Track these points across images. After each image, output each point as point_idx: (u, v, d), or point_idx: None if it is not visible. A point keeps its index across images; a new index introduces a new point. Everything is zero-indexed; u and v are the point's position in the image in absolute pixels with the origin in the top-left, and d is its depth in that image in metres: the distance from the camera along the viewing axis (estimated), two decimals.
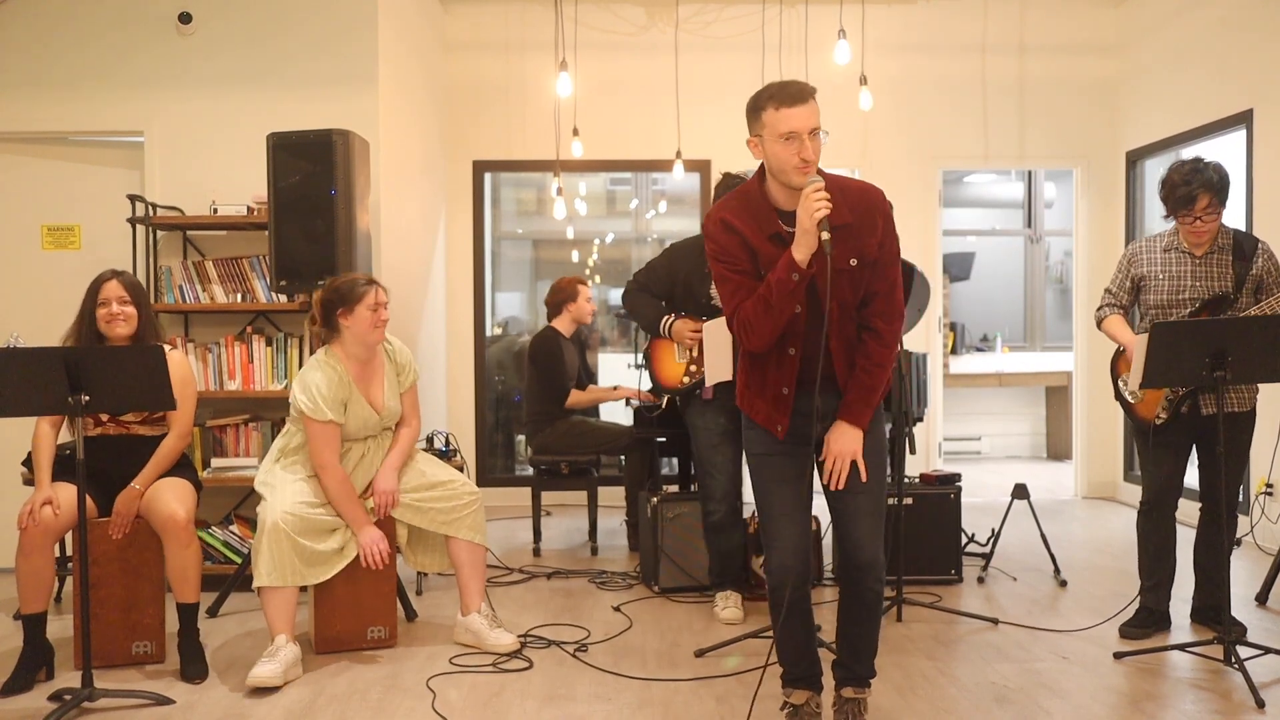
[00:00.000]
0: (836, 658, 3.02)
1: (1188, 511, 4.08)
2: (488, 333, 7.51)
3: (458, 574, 4.00)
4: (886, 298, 2.79)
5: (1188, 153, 6.54)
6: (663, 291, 4.49)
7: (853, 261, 2.72)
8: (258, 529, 3.72)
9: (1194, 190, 3.75)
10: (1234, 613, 3.85)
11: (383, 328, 3.87)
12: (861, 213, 2.75)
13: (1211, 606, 3.96)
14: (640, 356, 4.70)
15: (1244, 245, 3.87)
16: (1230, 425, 3.79)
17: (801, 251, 2.63)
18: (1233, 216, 6.13)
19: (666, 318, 4.42)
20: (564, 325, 5.80)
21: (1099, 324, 4.09)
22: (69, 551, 4.16)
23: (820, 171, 2.74)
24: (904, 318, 2.86)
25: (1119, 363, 4.07)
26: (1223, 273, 3.85)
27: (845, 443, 2.78)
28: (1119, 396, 4.06)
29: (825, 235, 2.60)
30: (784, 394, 2.80)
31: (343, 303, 3.82)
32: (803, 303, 2.70)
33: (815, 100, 2.69)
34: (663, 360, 4.54)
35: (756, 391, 2.87)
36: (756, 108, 2.72)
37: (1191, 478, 4.05)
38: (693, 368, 4.40)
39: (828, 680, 3.03)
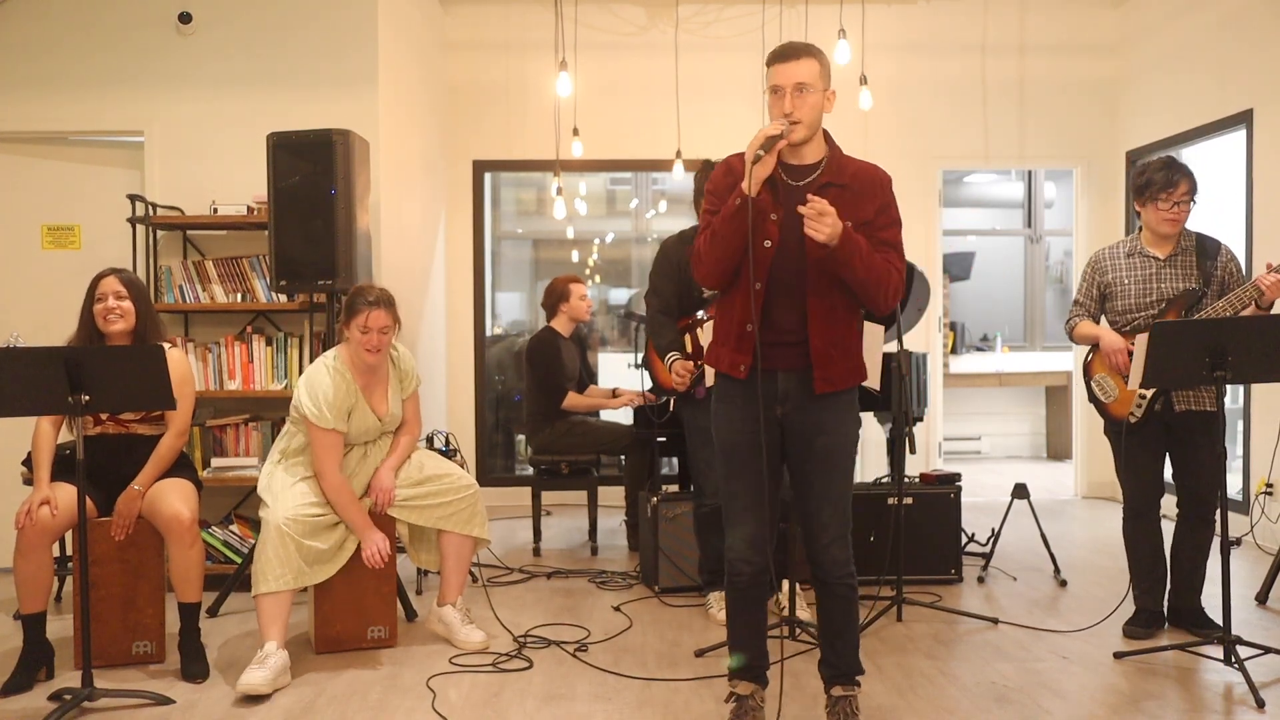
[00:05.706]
0: (821, 656, 3.03)
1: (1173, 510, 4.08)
2: (488, 333, 7.51)
3: (442, 564, 4.01)
4: (897, 251, 2.85)
5: (1188, 153, 6.55)
6: (674, 293, 4.34)
7: (847, 223, 2.77)
8: (260, 534, 3.71)
9: (1175, 175, 3.87)
10: (1234, 613, 3.83)
11: (375, 354, 3.79)
12: (863, 181, 2.85)
13: (1188, 608, 3.96)
14: (640, 357, 4.70)
15: (1207, 246, 3.94)
16: (1202, 424, 3.83)
17: (747, 181, 2.72)
18: (1233, 216, 6.17)
19: (673, 353, 4.34)
20: (562, 325, 5.80)
21: (1070, 334, 4.14)
22: (69, 551, 4.16)
23: (829, 141, 2.86)
24: (905, 283, 2.91)
25: (1093, 363, 4.09)
26: (1188, 274, 3.90)
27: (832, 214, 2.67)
28: (1092, 398, 4.09)
29: (761, 152, 2.68)
30: (748, 330, 2.83)
31: (347, 313, 3.82)
32: (774, 238, 2.78)
33: (810, 58, 2.79)
34: (660, 363, 4.53)
35: (721, 339, 2.92)
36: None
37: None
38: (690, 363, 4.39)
39: (809, 679, 3.01)
